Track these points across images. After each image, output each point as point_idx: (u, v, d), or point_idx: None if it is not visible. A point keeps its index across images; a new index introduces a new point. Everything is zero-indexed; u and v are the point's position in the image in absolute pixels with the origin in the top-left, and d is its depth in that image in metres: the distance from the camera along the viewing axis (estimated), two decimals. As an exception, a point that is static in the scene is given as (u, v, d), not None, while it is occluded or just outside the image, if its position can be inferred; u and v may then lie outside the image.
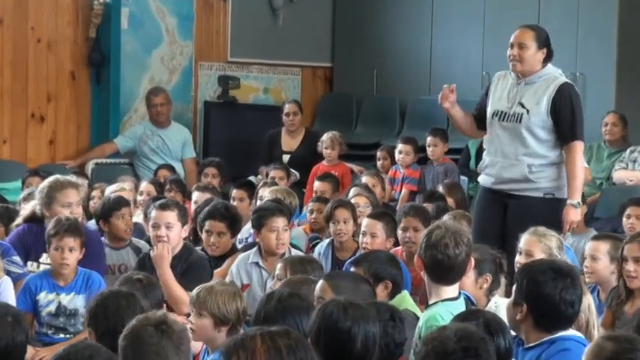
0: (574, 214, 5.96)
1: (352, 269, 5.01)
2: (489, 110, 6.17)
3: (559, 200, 6.05)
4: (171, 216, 5.82)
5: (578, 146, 6.02)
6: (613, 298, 5.14)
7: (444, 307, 4.19)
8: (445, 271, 4.27)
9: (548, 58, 6.11)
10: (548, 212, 5.95)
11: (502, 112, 6.10)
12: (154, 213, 5.89)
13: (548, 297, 3.82)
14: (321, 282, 4.41)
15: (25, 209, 6.47)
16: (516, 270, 5.17)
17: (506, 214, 6.11)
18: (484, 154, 6.34)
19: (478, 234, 5.93)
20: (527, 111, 6.00)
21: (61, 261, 5.54)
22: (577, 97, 6.06)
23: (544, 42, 6.08)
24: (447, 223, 4.48)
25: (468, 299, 4.46)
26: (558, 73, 6.12)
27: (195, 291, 4.48)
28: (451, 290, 4.30)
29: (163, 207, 5.88)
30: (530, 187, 6.03)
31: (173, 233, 5.79)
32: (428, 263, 4.27)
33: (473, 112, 6.40)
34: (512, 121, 6.04)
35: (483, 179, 6.31)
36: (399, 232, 6.26)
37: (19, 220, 6.39)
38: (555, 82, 6.02)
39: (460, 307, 4.23)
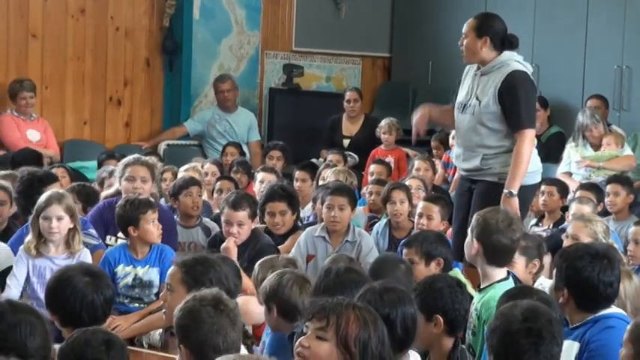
0: (507, 203, 5.58)
1: (405, 250, 5.14)
2: (456, 102, 6.03)
3: None
4: (243, 215, 5.88)
5: (526, 134, 5.70)
6: None
7: (500, 288, 4.29)
8: (507, 254, 4.44)
9: (502, 46, 5.80)
10: (501, 197, 5.66)
11: (462, 103, 5.93)
12: (226, 210, 5.92)
13: (587, 280, 3.84)
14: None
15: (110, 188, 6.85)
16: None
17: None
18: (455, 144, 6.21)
19: (454, 220, 6.06)
20: (480, 103, 5.80)
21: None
22: (524, 85, 5.76)
23: (485, 30, 5.79)
24: (501, 209, 4.65)
25: (514, 277, 4.62)
26: (514, 60, 5.82)
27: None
28: (502, 272, 4.46)
29: (236, 207, 5.88)
30: (486, 172, 5.81)
31: (244, 230, 5.89)
32: (491, 247, 4.37)
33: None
34: (468, 112, 5.85)
35: (457, 167, 6.36)
36: None
37: (104, 194, 6.79)
38: (504, 71, 5.75)
39: (510, 285, 4.36)
